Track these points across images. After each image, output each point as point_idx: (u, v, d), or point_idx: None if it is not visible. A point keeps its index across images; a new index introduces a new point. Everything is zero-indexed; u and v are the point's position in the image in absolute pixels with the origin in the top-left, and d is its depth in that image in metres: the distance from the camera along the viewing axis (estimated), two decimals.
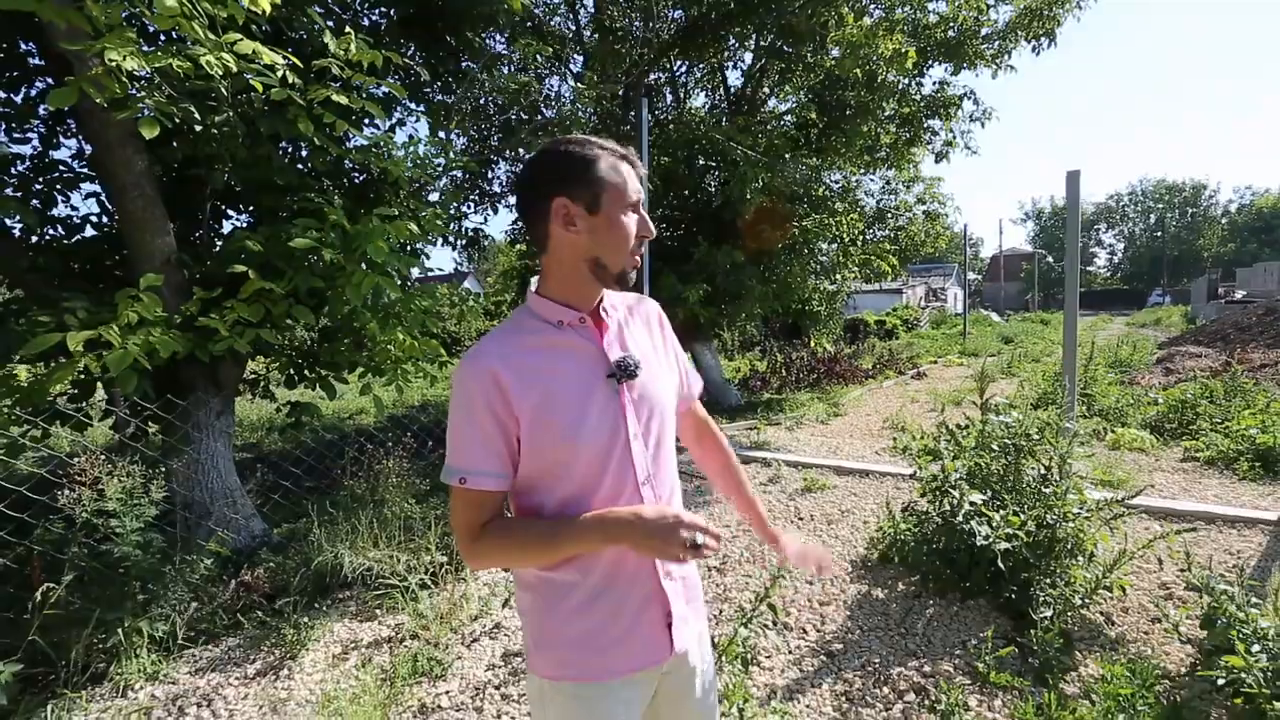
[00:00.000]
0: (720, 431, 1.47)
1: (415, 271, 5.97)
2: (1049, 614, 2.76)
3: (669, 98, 11.02)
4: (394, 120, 5.94)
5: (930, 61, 9.31)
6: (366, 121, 5.33)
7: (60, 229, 4.51)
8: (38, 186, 4.36)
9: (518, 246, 11.01)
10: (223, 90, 3.63)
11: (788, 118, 10.18)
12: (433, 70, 6.24)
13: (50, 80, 4.90)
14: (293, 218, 4.09)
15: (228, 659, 2.88)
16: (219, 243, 4.87)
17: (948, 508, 3.24)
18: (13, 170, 4.30)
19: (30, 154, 4.67)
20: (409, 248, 5.18)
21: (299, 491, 4.76)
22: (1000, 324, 29.16)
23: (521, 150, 9.16)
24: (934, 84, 9.80)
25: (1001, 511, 3.04)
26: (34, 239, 4.34)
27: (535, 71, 9.45)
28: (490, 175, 9.63)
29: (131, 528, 2.66)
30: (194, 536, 3.48)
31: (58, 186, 4.44)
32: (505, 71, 8.42)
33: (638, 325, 1.27)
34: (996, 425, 3.39)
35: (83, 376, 3.54)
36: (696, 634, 1.27)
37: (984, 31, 9.09)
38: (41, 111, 4.79)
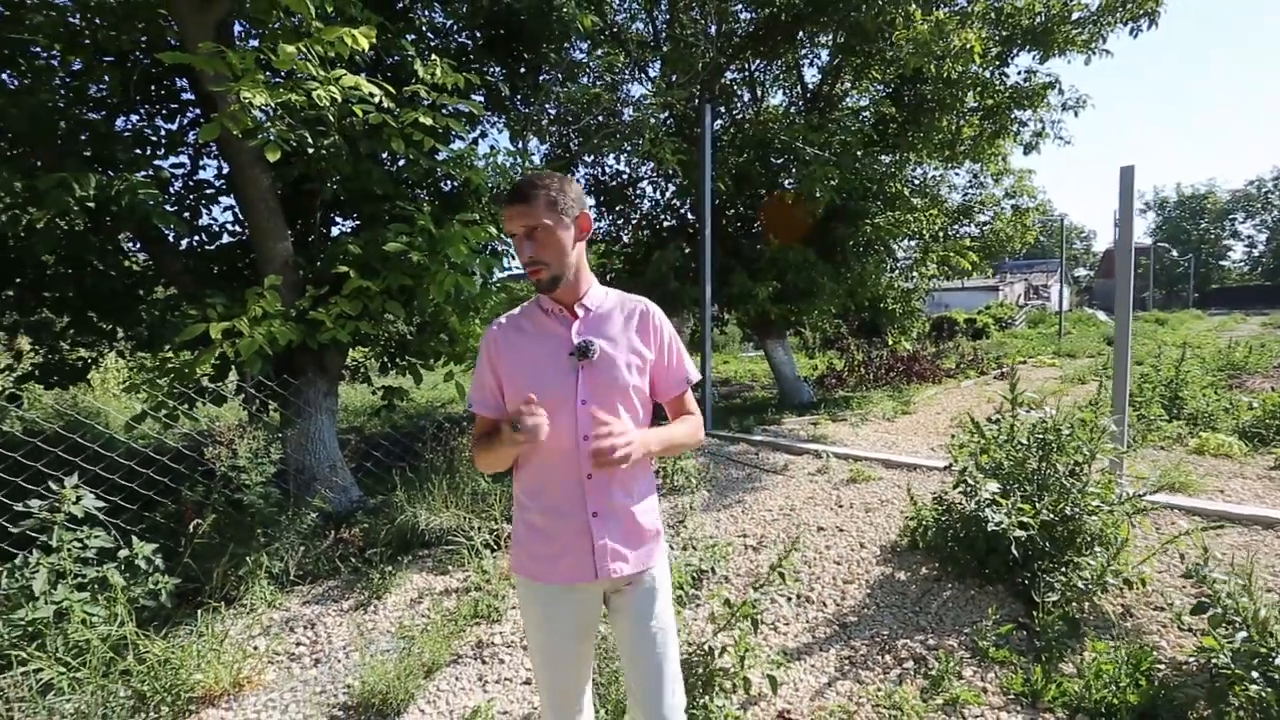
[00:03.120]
0: (696, 418, 1.71)
1: (500, 267, 6.51)
2: (1055, 598, 2.89)
3: (746, 96, 11.19)
4: (476, 133, 6.53)
5: (1015, 50, 9.01)
6: (452, 135, 5.88)
7: (204, 237, 5.36)
8: (188, 201, 5.21)
9: (596, 246, 11.50)
10: (330, 117, 4.25)
11: (865, 113, 10.12)
12: (512, 85, 6.78)
13: (199, 111, 5.80)
14: (388, 223, 4.68)
15: (327, 596, 3.48)
16: (327, 246, 5.60)
17: (974, 498, 3.38)
18: (170, 189, 5.14)
19: (182, 173, 5.57)
20: (489, 248, 5.70)
21: (390, 465, 5.41)
22: (1107, 324, 27.18)
23: (598, 154, 9.65)
24: (1020, 73, 9.44)
25: (1009, 500, 3.16)
26: (184, 245, 5.19)
27: (612, 77, 9.90)
28: (571, 177, 10.18)
29: (255, 481, 3.29)
30: (303, 496, 4.12)
31: (202, 201, 5.27)
32: (584, 81, 8.92)
33: (617, 321, 1.62)
34: (1026, 421, 3.49)
35: (219, 360, 4.27)
36: (636, 566, 1.59)
37: (1074, 16, 8.71)
38: (190, 138, 5.68)
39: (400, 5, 6.20)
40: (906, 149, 9.45)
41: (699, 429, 1.71)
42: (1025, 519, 3.06)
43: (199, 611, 2.88)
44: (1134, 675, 2.45)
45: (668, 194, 10.51)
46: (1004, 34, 8.76)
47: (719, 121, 10.26)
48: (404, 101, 4.48)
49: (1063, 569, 3.06)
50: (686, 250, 9.21)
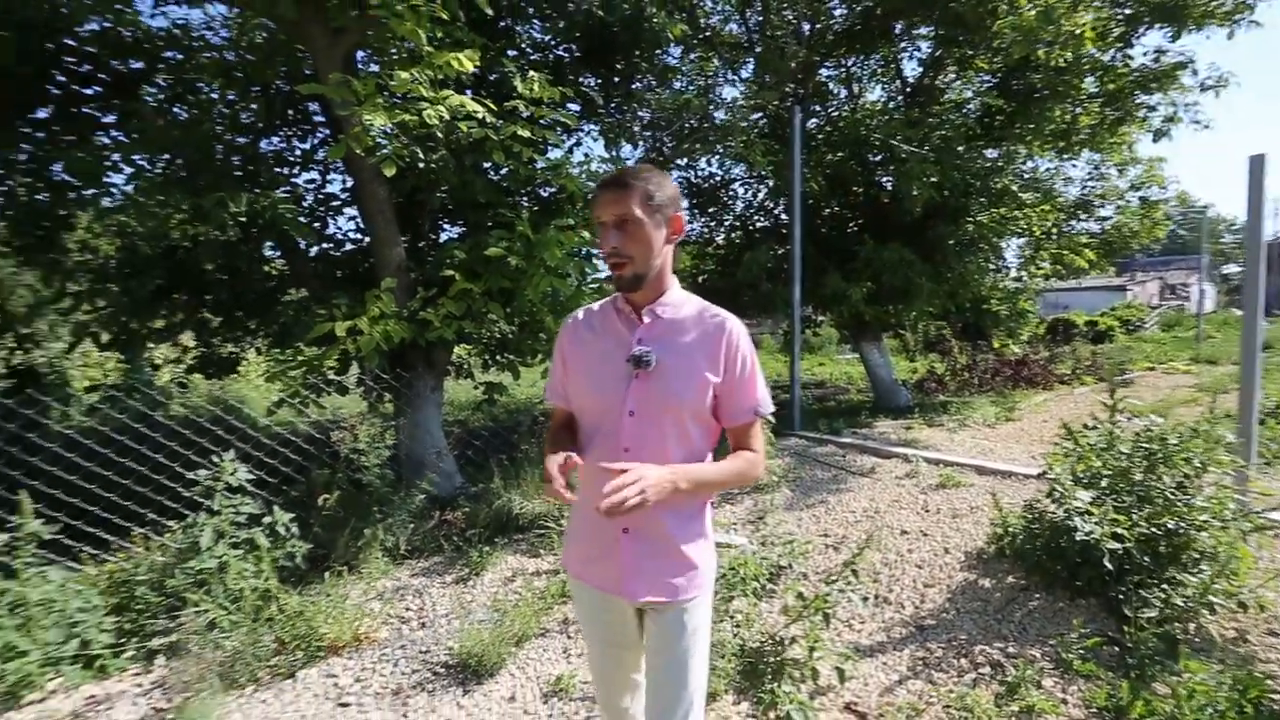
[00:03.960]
0: (753, 455, 1.54)
1: (594, 270, 6.78)
2: (1152, 615, 2.76)
3: (842, 94, 10.98)
4: (572, 141, 6.85)
5: (1141, 29, 8.35)
6: (548, 144, 6.18)
7: (331, 244, 5.97)
8: (319, 213, 5.82)
9: (689, 248, 11.62)
10: (439, 134, 4.63)
11: (969, 106, 9.69)
12: (606, 94, 7.04)
13: (328, 132, 6.45)
14: (491, 229, 5.04)
15: (432, 570, 3.84)
16: (435, 251, 6.08)
17: (1063, 506, 3.27)
18: (303, 203, 5.76)
19: (312, 188, 6.22)
20: (582, 253, 5.98)
21: (489, 455, 5.80)
22: (1262, 327, 24.25)
23: (691, 157, 9.79)
24: (1147, 53, 8.71)
25: (1101, 509, 3.03)
26: (314, 252, 5.81)
27: (704, 80, 10.02)
28: None
29: (373, 464, 3.69)
30: (412, 479, 4.53)
31: (329, 212, 5.88)
32: (676, 86, 9.08)
33: (689, 331, 1.50)
34: (1129, 429, 3.33)
35: (342, 355, 4.77)
36: (663, 595, 1.48)
37: None
38: (319, 156, 6.33)
39: (502, 24, 6.61)
40: (1015, 141, 8.98)
41: (753, 467, 1.53)
42: (1120, 530, 2.94)
43: (326, 574, 3.29)
44: (1238, 702, 2.33)
45: (760, 195, 10.51)
46: (1127, 12, 8.15)
47: (813, 120, 10.14)
48: (505, 116, 4.81)
49: (1163, 585, 2.91)
50: (779, 251, 9.18)
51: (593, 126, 7.46)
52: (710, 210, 10.68)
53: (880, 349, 9.68)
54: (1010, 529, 3.60)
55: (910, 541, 3.96)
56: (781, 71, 9.58)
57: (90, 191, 5.63)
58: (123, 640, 2.92)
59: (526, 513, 4.21)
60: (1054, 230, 10.13)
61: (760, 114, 9.95)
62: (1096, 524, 3.03)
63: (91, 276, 5.96)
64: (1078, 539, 3.05)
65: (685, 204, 10.59)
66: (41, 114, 5.97)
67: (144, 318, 5.69)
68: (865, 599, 3.33)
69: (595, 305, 1.62)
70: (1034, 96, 8.62)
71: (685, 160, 9.93)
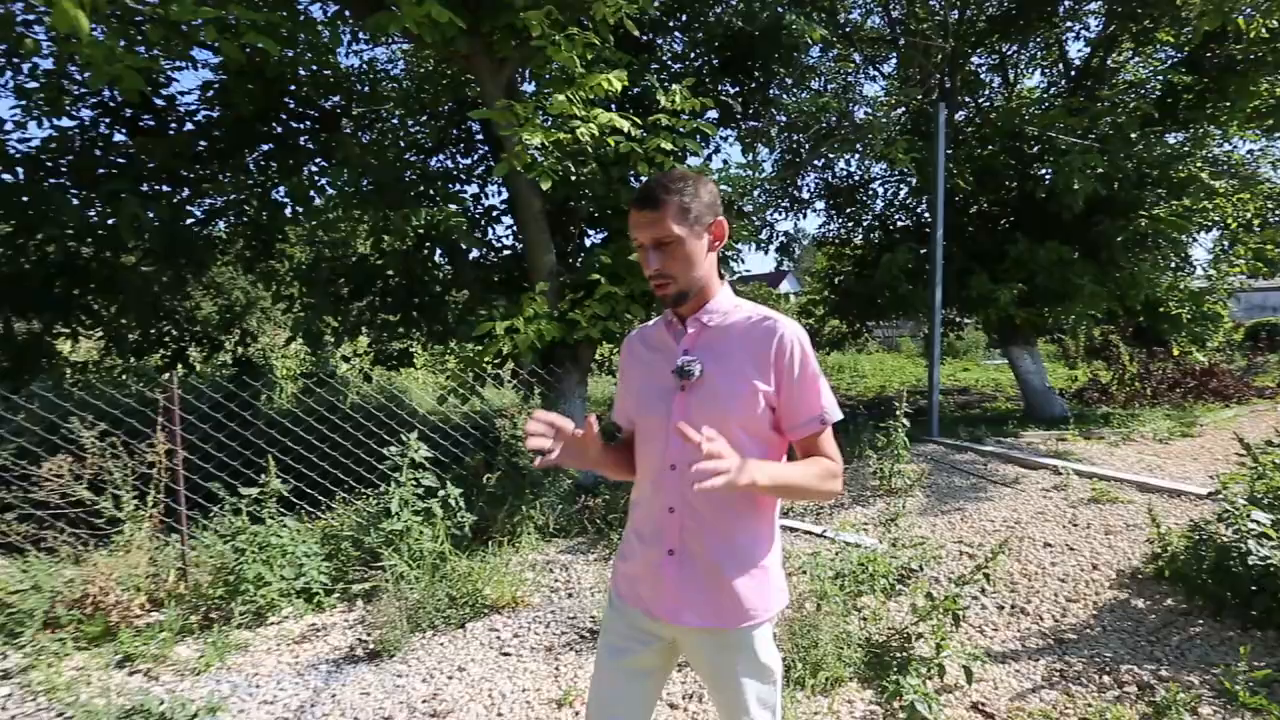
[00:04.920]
0: (829, 463, 1.40)
1: (729, 272, 6.99)
2: None
3: (995, 82, 10.34)
4: (711, 149, 7.07)
5: None
6: (690, 152, 6.42)
7: (490, 251, 6.63)
8: (481, 222, 6.49)
9: (825, 248, 11.46)
10: (588, 150, 5.04)
11: (1150, 85, 8.78)
12: (744, 101, 7.21)
13: (487, 148, 7.13)
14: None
15: (576, 548, 4.23)
16: (582, 256, 6.55)
17: (1234, 527, 3.03)
18: (467, 213, 6.45)
19: (473, 200, 6.93)
20: (721, 255, 6.18)
21: None
22: None
23: (828, 158, 9.68)
24: None
25: None
26: (474, 258, 6.48)
27: (844, 79, 9.84)
28: (800, 182, 10.31)
29: (529, 449, 4.15)
30: (559, 468, 4.99)
31: (489, 222, 6.53)
32: (814, 86, 9.03)
33: (737, 339, 1.41)
34: None
35: (500, 354, 5.32)
36: (710, 621, 1.38)
37: None
38: (479, 172, 7.02)
39: (645, 38, 6.97)
40: (1207, 122, 8.03)
41: (832, 478, 1.39)
42: None
43: (489, 544, 3.76)
44: None
45: (901, 194, 10.17)
46: None
47: (961, 113, 9.66)
48: (648, 129, 5.12)
49: None
50: (920, 251, 8.86)
51: (730, 133, 7.65)
52: (848, 211, 10.47)
53: (1032, 354, 9.03)
54: (1171, 549, 3.37)
55: (1054, 555, 3.80)
56: (925, 65, 9.23)
57: (300, 209, 6.65)
58: (334, 583, 3.55)
59: None
60: (1256, 221, 8.93)
61: (902, 110, 9.63)
62: (1275, 548, 2.80)
63: (297, 282, 7.04)
64: (1253, 564, 2.84)
65: (821, 204, 10.53)
66: (265, 147, 7.12)
67: (335, 317, 6.66)
68: (1001, 607, 3.28)
69: (653, 321, 1.56)
70: (1233, 70, 7.67)
71: (823, 161, 9.84)
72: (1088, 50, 9.26)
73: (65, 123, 6.08)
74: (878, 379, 14.72)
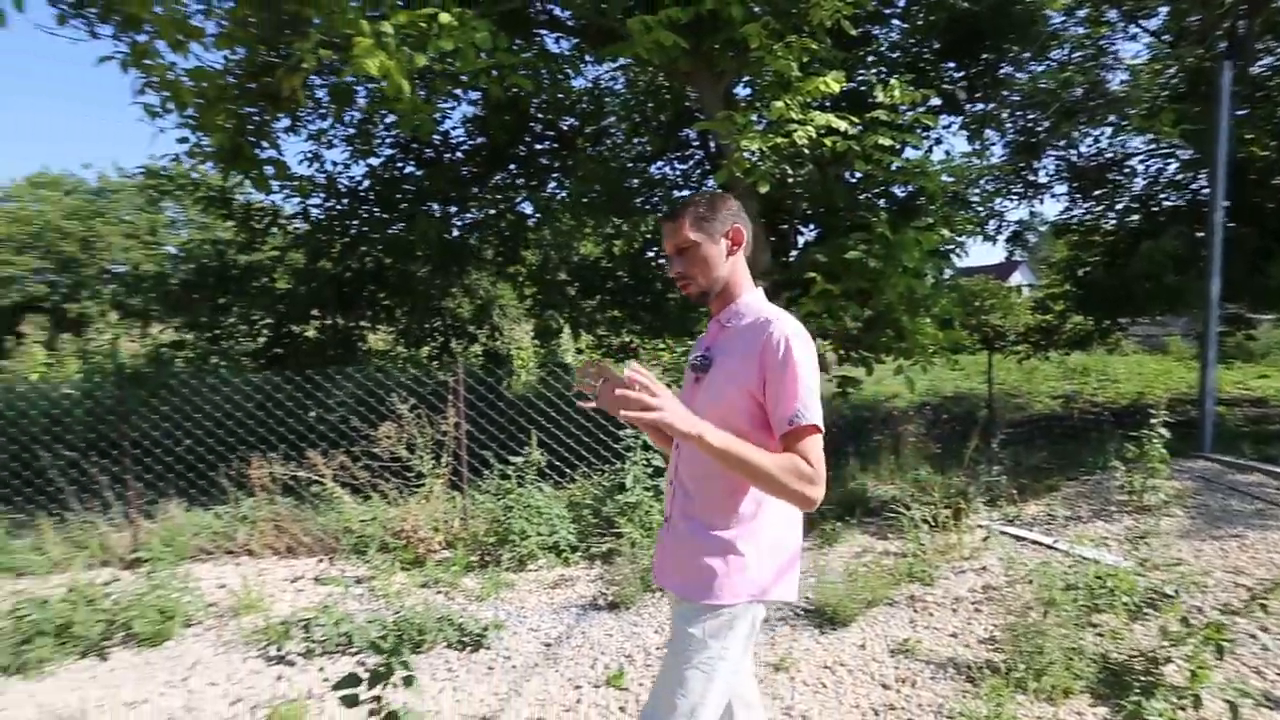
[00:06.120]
0: (799, 464, 1.37)
1: (950, 267, 6.61)
2: None
3: None
4: (932, 140, 6.78)
5: None
6: (909, 145, 6.20)
7: None
8: None
9: (1067, 237, 10.25)
10: (805, 152, 5.17)
11: None
12: (970, 85, 6.80)
13: (701, 154, 7.53)
14: (847, 232, 5.40)
15: None
16: (794, 254, 6.68)
17: None
18: None
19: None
20: (940, 251, 5.93)
21: (838, 446, 6.21)
22: None
23: (1069, 137, 8.66)
24: None
25: None
26: None
27: (1095, 44, 8.73)
28: (1036, 166, 9.37)
29: None
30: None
31: None
32: (1056, 56, 8.16)
33: (743, 337, 1.51)
34: None
35: None
36: (677, 587, 1.52)
37: None
38: (693, 177, 7.45)
39: (860, 31, 6.87)
40: None
41: (803, 479, 1.36)
42: None
43: None
44: None
45: (1169, 169, 8.78)
46: None
47: (1262, 63, 8.06)
48: (866, 125, 5.11)
49: None
50: (1195, 234, 7.61)
51: (953, 120, 7.25)
52: (1095, 193, 9.30)
53: None
54: None
55: None
56: (1208, 14, 7.86)
57: (540, 219, 7.59)
58: (579, 542, 4.15)
59: (878, 495, 4.54)
60: None
61: (1173, 71, 8.29)
62: None
63: (531, 282, 8.05)
64: None
65: (1062, 188, 9.45)
66: (512, 167, 8.24)
67: (565, 313, 7.54)
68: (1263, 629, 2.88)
69: None
70: None
71: (1065, 140, 8.83)
72: None
73: (373, 161, 7.64)
74: (1133, 384, 12.76)
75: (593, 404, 1.47)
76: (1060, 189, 9.47)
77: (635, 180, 7.29)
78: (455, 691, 2.79)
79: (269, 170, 6.69)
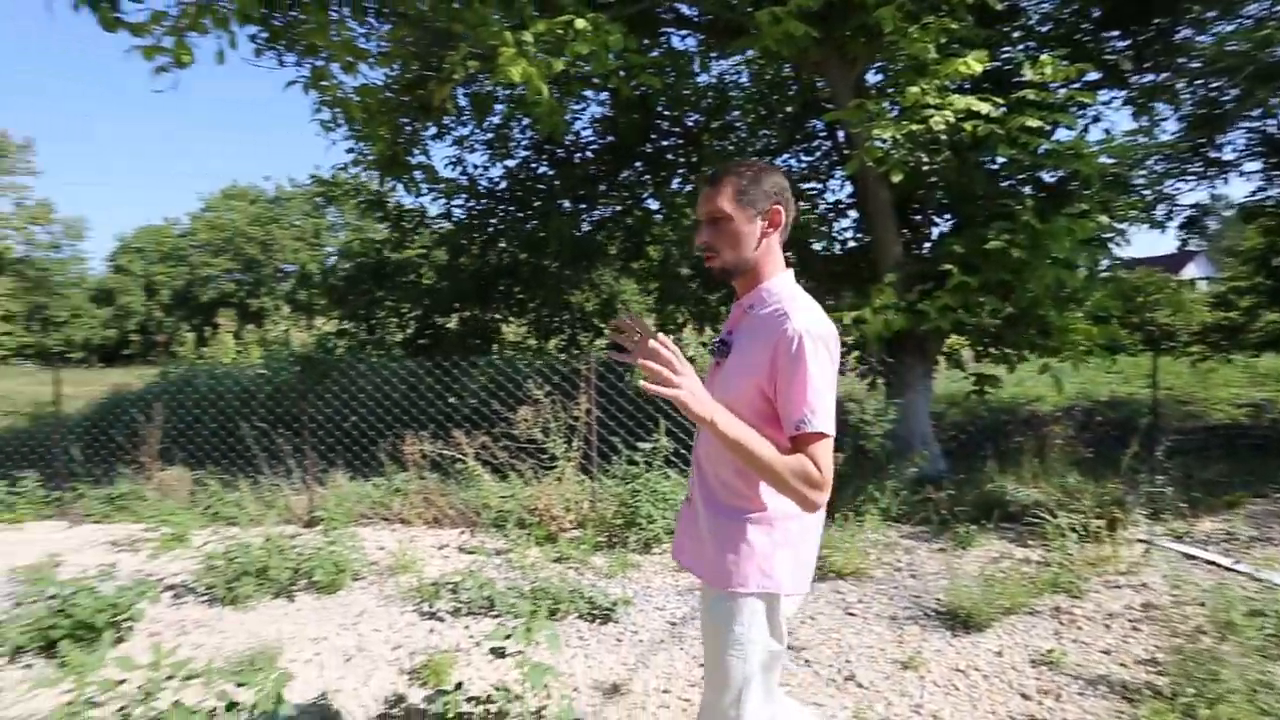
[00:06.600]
0: (804, 465, 1.33)
1: (1108, 257, 5.99)
2: None
3: None
4: (1089, 119, 6.21)
5: None
6: (1062, 126, 5.70)
7: (833, 243, 6.88)
8: (828, 217, 6.79)
9: (1259, 221, 8.97)
10: (942, 138, 4.92)
11: None
12: (1137, 54, 6.15)
13: (829, 145, 7.35)
14: (987, 221, 5.08)
15: (919, 535, 4.29)
16: (928, 245, 6.37)
17: None
18: (814, 209, 6.80)
19: (813, 196, 7.23)
20: (1097, 240, 5.43)
21: (971, 449, 5.87)
22: None
23: (1266, 104, 7.57)
24: None
25: None
26: (820, 251, 6.80)
27: None
28: (1220, 141, 8.26)
29: (874, 434, 4.34)
30: (902, 455, 5.03)
31: (836, 216, 6.78)
32: (1250, 13, 7.17)
33: (757, 330, 1.46)
34: None
35: (848, 341, 5.53)
36: (696, 568, 1.56)
37: None
38: (822, 167, 7.29)
39: (1005, 5, 6.39)
40: None
41: (807, 482, 1.32)
42: None
43: (834, 517, 4.07)
44: None
45: None
46: None
47: None
48: (1011, 106, 4.78)
49: None
50: None
51: (1116, 95, 6.58)
52: None
53: None
54: None
55: None
56: None
57: (666, 214, 7.73)
58: None
59: (1018, 499, 4.27)
60: None
61: None
62: None
63: (655, 277, 8.20)
64: None
65: (1255, 165, 8.26)
66: (638, 165, 8.44)
67: (686, 306, 7.63)
68: None
69: None
70: None
71: (1259, 110, 7.72)
72: None
73: (510, 163, 8.13)
74: None
75: (627, 357, 1.45)
76: (1251, 166, 8.31)
77: None
78: (587, 659, 2.97)
79: (419, 175, 7.34)
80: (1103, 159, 5.28)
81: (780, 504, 1.45)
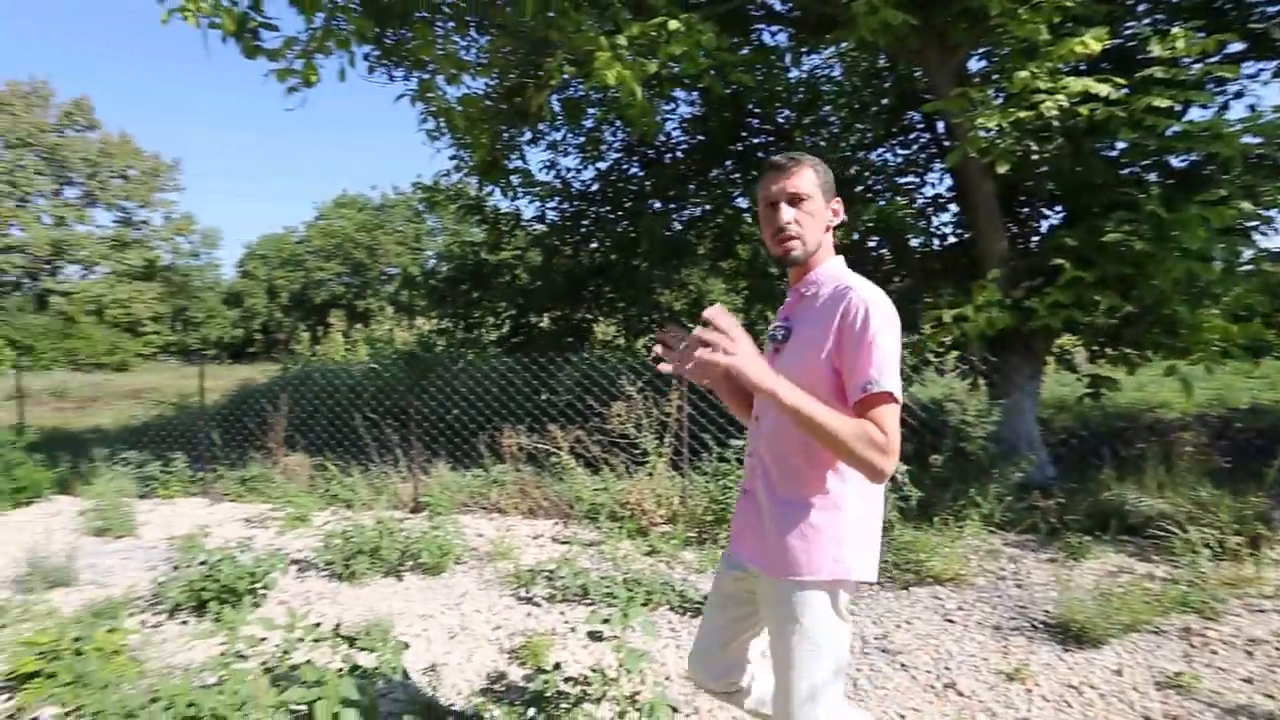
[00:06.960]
0: (871, 431, 1.32)
1: (1252, 247, 5.40)
2: None
3: None
4: (1230, 94, 5.66)
5: None
6: (1197, 104, 5.21)
7: (932, 238, 6.60)
8: (926, 212, 6.54)
9: None
10: (1054, 124, 4.62)
11: None
12: None
13: (927, 137, 7.07)
14: (1105, 211, 4.72)
15: (1025, 544, 4.07)
16: (1036, 239, 6.00)
17: None
18: (912, 204, 6.56)
19: (912, 190, 6.97)
20: (1237, 227, 4.94)
21: (1081, 456, 5.48)
22: None
23: None
24: None
25: None
26: (918, 247, 6.54)
27: None
28: None
29: (977, 436, 4.15)
30: (1006, 459, 4.77)
31: (936, 210, 6.51)
32: None
33: (820, 307, 1.48)
34: None
35: (942, 343, 5.29)
36: (758, 562, 1.53)
37: None
38: (919, 160, 7.01)
39: None
40: None
41: (874, 447, 1.31)
42: None
43: (933, 521, 3.92)
44: None
45: None
46: None
47: None
48: (1135, 86, 4.44)
49: None
50: None
51: (1264, 67, 5.94)
52: None
53: None
54: None
55: None
56: None
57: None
58: None
59: (1140, 510, 3.97)
60: None
61: None
62: None
63: (743, 276, 8.13)
64: None
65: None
66: (728, 164, 8.41)
67: (775, 306, 7.51)
68: None
69: None
70: None
71: None
72: None
73: (602, 165, 8.30)
74: None
75: (670, 367, 1.49)
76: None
77: (855, 168, 7.06)
78: (678, 649, 3.01)
79: (515, 179, 7.64)
80: (1246, 139, 4.78)
81: (846, 487, 1.46)
